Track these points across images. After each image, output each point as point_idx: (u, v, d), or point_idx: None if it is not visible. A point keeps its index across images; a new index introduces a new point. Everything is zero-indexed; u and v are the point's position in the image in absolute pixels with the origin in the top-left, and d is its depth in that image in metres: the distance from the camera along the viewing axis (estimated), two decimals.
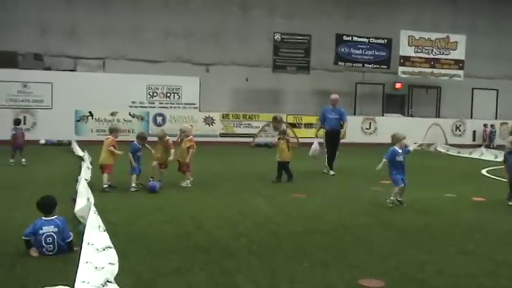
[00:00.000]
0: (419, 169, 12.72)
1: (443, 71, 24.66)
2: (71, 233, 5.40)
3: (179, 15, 22.72)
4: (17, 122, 13.57)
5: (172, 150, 9.68)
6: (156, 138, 10.13)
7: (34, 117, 19.46)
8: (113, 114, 20.16)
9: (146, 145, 9.66)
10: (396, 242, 6.17)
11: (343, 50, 23.36)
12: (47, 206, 5.42)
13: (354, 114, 23.29)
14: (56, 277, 4.46)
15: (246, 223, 6.92)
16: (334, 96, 12.69)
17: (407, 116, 25.20)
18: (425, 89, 25.55)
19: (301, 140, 19.20)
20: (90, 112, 20.01)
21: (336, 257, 5.45)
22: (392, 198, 8.13)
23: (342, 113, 12.45)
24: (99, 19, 21.79)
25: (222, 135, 21.40)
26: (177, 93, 21.22)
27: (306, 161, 12.43)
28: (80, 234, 5.26)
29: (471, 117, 25.35)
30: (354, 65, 23.63)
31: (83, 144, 16.11)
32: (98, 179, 9.24)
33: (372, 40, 23.66)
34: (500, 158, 10.53)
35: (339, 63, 23.41)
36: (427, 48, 24.40)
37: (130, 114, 20.47)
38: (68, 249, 5.27)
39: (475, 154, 18.42)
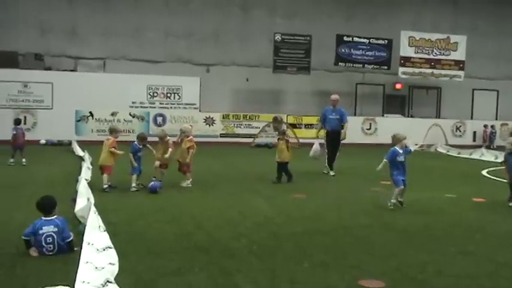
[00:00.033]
0: (419, 170, 12.72)
1: (443, 72, 24.67)
2: (71, 233, 5.40)
3: (180, 16, 22.74)
4: (17, 122, 13.58)
5: (170, 149, 9.68)
6: (156, 139, 10.14)
7: (34, 117, 19.48)
8: (113, 114, 20.18)
9: (147, 145, 9.66)
10: (396, 242, 6.16)
11: (343, 50, 23.36)
12: (46, 206, 5.42)
13: (354, 114, 23.30)
14: (56, 277, 4.46)
15: (246, 223, 6.91)
16: (334, 96, 12.69)
17: (408, 116, 25.21)
18: (425, 90, 25.56)
19: (301, 141, 19.21)
20: (90, 112, 20.03)
21: (336, 257, 5.45)
22: (393, 200, 8.08)
23: (342, 114, 12.44)
24: (100, 19, 21.81)
25: (222, 135, 21.41)
26: (178, 94, 21.23)
27: (306, 162, 12.43)
28: (80, 234, 5.26)
29: (471, 118, 25.36)
30: (354, 65, 23.65)
31: (83, 144, 16.13)
32: (98, 179, 9.24)
33: (372, 41, 23.67)
34: (501, 159, 10.53)
35: (340, 63, 23.43)
36: (428, 48, 24.41)
37: (130, 115, 20.49)
38: (68, 249, 5.27)
39: (476, 155, 18.42)
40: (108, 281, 4.02)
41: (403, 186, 8.16)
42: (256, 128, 21.45)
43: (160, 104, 21.03)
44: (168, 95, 21.17)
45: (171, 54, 22.66)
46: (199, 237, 6.13)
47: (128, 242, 5.73)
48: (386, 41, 23.80)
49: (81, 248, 4.71)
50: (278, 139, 11.21)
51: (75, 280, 4.01)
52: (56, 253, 5.21)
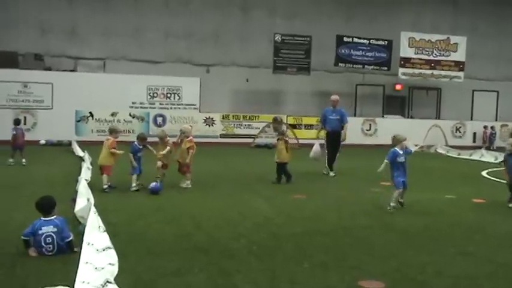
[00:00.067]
0: (419, 170, 12.72)
1: (443, 73, 24.69)
2: (70, 233, 5.40)
3: (180, 16, 22.75)
4: (17, 122, 13.58)
5: (168, 148, 9.69)
6: (156, 139, 10.14)
7: (34, 117, 19.47)
8: (113, 114, 20.18)
9: (148, 146, 9.66)
10: (396, 243, 6.16)
11: (343, 51, 23.38)
12: (46, 207, 5.42)
13: (354, 115, 23.30)
14: (56, 277, 4.46)
15: (246, 224, 6.91)
16: (334, 97, 12.68)
17: (408, 117, 25.22)
18: (425, 91, 25.57)
19: (301, 141, 19.24)
20: (90, 112, 20.03)
21: (336, 258, 5.45)
22: (392, 204, 8.01)
23: (342, 114, 12.43)
24: (100, 19, 21.82)
25: (222, 136, 21.40)
26: (178, 94, 21.24)
27: (306, 162, 12.44)
28: (80, 235, 5.26)
29: (471, 119, 25.35)
30: (354, 66, 23.66)
31: (83, 144, 16.12)
32: (98, 180, 9.23)
33: (373, 41, 23.69)
34: (500, 159, 10.53)
35: (339, 64, 23.45)
36: (428, 49, 24.43)
37: (130, 115, 20.49)
38: (68, 249, 5.27)
39: (475, 156, 18.43)
40: (107, 282, 4.02)
41: (402, 189, 8.15)
42: (256, 128, 21.46)
43: (160, 104, 21.03)
44: (168, 95, 21.17)
45: (171, 54, 22.67)
46: (199, 238, 6.13)
47: (128, 242, 5.73)
48: (386, 42, 23.82)
49: (81, 249, 4.71)
50: (277, 139, 11.21)
51: (74, 280, 4.01)
52: (56, 253, 5.20)
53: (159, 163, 9.67)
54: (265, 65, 22.76)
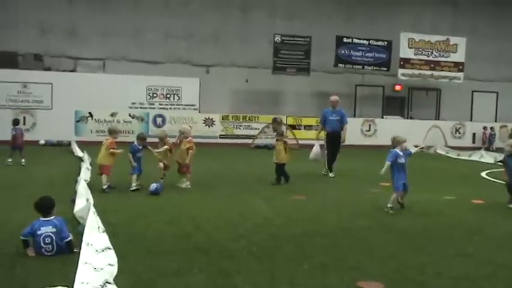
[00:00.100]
0: (419, 171, 12.71)
1: (443, 74, 24.69)
2: (69, 233, 5.39)
3: (180, 17, 22.75)
4: (15, 122, 13.57)
5: (166, 146, 9.69)
6: (155, 139, 10.14)
7: (34, 117, 19.47)
8: (112, 115, 20.17)
9: (148, 147, 9.66)
10: (396, 244, 6.16)
11: (343, 51, 23.38)
12: (45, 207, 5.42)
13: (354, 116, 23.29)
14: (55, 278, 4.46)
15: (246, 225, 6.91)
16: (334, 97, 12.68)
17: (407, 118, 25.21)
18: (425, 91, 25.57)
19: (300, 142, 19.23)
20: (90, 113, 20.02)
21: (335, 259, 5.45)
22: (389, 205, 8.00)
23: (342, 114, 12.43)
24: (100, 20, 21.81)
25: (222, 136, 21.39)
26: (177, 95, 21.23)
27: (305, 163, 12.44)
28: (79, 235, 5.25)
29: (471, 120, 25.35)
30: (354, 67, 23.66)
31: (82, 144, 16.10)
32: (97, 180, 9.23)
33: (372, 42, 23.69)
34: (499, 158, 10.53)
35: (339, 65, 23.44)
36: (427, 50, 24.43)
37: (130, 115, 20.48)
38: (67, 249, 5.27)
39: (475, 156, 18.44)
40: (107, 282, 4.02)
41: (402, 191, 8.13)
42: (256, 129, 21.45)
43: (160, 104, 21.03)
44: (168, 95, 21.17)
45: (171, 55, 22.67)
46: (199, 238, 6.13)
47: (128, 242, 5.73)
48: (386, 43, 23.82)
49: (80, 249, 4.71)
50: (276, 140, 11.21)
51: (74, 281, 4.01)
52: (55, 253, 5.20)
53: (161, 165, 9.67)
54: (264, 66, 22.75)
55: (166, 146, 9.72)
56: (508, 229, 7.18)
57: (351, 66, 23.60)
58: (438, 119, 25.13)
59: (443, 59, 24.57)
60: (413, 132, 19.35)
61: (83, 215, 6.00)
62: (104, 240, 5.10)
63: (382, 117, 24.18)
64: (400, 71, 24.00)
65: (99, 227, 5.40)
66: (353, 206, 8.44)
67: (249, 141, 20.96)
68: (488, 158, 17.69)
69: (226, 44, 23.34)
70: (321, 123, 12.89)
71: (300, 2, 24.01)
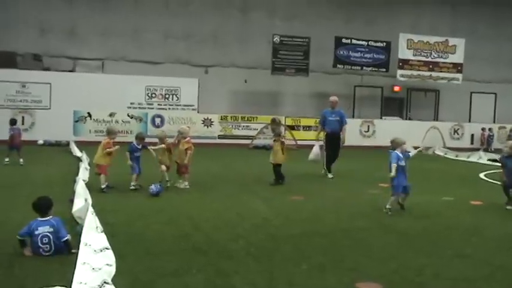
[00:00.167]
0: (417, 172, 12.67)
1: (441, 75, 24.72)
2: (67, 233, 5.38)
3: (179, 17, 22.75)
4: (13, 122, 13.56)
5: (162, 145, 9.69)
6: (154, 139, 10.14)
7: (32, 117, 19.45)
8: (111, 115, 20.16)
9: (148, 147, 9.66)
10: (394, 245, 6.17)
11: (342, 52, 23.39)
12: (42, 207, 5.42)
13: (353, 117, 23.30)
14: (53, 278, 4.45)
15: (244, 225, 6.91)
16: (333, 98, 12.68)
17: (406, 119, 25.24)
18: (423, 92, 25.60)
19: (299, 143, 19.24)
20: (88, 113, 20.01)
21: (334, 259, 5.45)
22: (388, 206, 8.00)
23: (342, 115, 12.43)
24: (99, 20, 21.81)
25: (221, 137, 21.39)
26: (176, 95, 21.23)
27: (304, 164, 12.44)
28: (78, 235, 5.25)
29: (469, 121, 25.39)
30: (353, 67, 23.68)
31: (81, 144, 16.09)
32: (95, 180, 9.23)
33: (371, 43, 23.70)
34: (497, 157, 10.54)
35: (338, 65, 23.45)
36: (426, 51, 24.45)
37: (128, 115, 20.47)
38: (65, 249, 5.26)
39: (473, 158, 18.46)
40: (105, 282, 4.02)
41: (401, 194, 8.10)
42: (255, 129, 21.44)
43: (159, 105, 21.02)
44: (167, 96, 21.16)
45: (170, 55, 22.67)
46: (197, 239, 6.13)
47: (126, 243, 5.73)
48: (384, 44, 23.84)
49: (78, 249, 4.70)
50: (274, 140, 11.21)
51: (72, 281, 4.01)
52: (53, 253, 5.20)
53: (163, 167, 9.67)
54: (263, 66, 22.76)
55: (163, 145, 9.72)
56: (506, 230, 7.19)
57: (349, 67, 23.61)
58: (437, 120, 25.15)
59: (442, 60, 24.60)
60: (412, 133, 19.40)
61: (81, 215, 5.99)
62: (102, 240, 5.10)
63: (381, 118, 24.21)
64: (399, 72, 24.03)
65: (97, 227, 5.39)
66: (352, 207, 8.45)
67: (248, 141, 20.96)
68: (486, 159, 17.70)
69: (225, 45, 23.34)
70: (320, 123, 12.89)
71: (299, 3, 24.03)
